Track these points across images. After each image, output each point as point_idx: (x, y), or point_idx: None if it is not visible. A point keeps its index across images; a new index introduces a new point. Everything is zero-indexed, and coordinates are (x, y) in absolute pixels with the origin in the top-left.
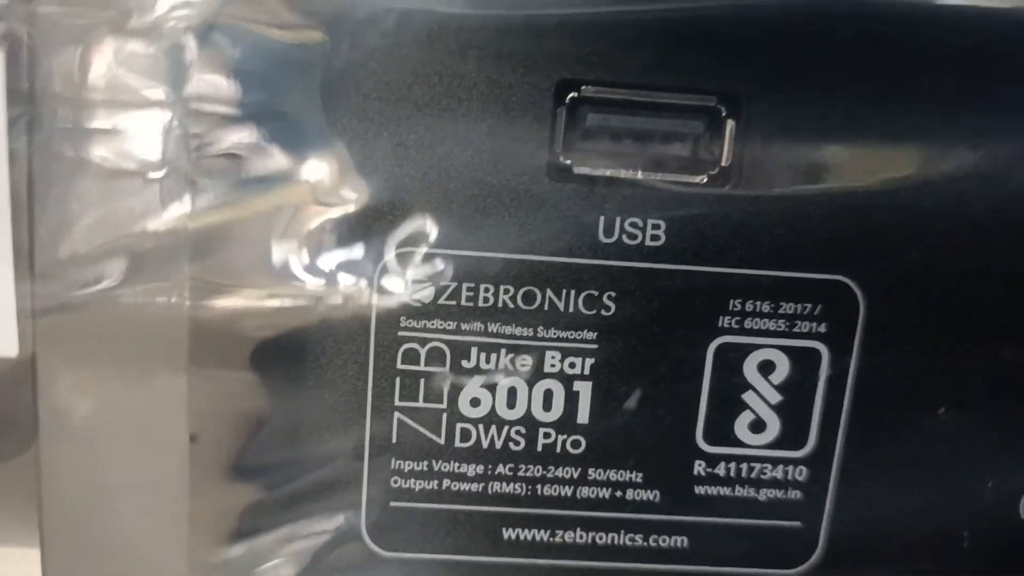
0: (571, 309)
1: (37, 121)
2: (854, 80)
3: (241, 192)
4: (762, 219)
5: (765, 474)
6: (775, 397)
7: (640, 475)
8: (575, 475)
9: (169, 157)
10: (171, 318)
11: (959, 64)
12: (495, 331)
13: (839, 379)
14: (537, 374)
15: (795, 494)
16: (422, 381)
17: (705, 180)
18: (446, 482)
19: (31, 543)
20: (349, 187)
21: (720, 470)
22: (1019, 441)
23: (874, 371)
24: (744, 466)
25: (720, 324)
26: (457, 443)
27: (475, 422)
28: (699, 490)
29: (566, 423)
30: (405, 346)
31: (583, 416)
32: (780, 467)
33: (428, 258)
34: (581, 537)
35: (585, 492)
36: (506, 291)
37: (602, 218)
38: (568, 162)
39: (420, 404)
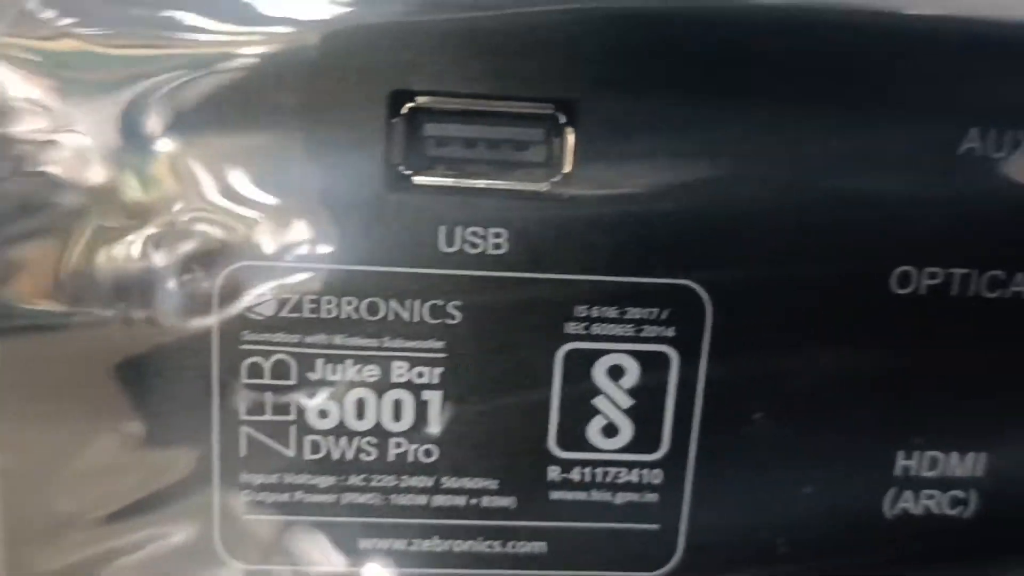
0: (416, 319)
1: None
2: (690, 85)
3: (51, 214)
4: (605, 225)
5: (620, 478)
6: (626, 401)
7: (495, 482)
8: (429, 484)
9: None
10: None
11: (789, 67)
12: (340, 343)
13: (689, 383)
14: (385, 384)
15: (651, 497)
16: (268, 394)
17: (547, 187)
18: (299, 494)
19: None
20: (184, 201)
21: (575, 475)
22: (874, 440)
23: (724, 374)
24: (599, 471)
25: (567, 330)
26: (308, 455)
27: (325, 434)
28: (555, 495)
29: (417, 432)
30: (249, 360)
31: (434, 425)
32: (635, 471)
33: (269, 271)
34: (439, 545)
35: (440, 500)
36: (349, 302)
37: (443, 228)
38: (407, 172)
39: (268, 417)
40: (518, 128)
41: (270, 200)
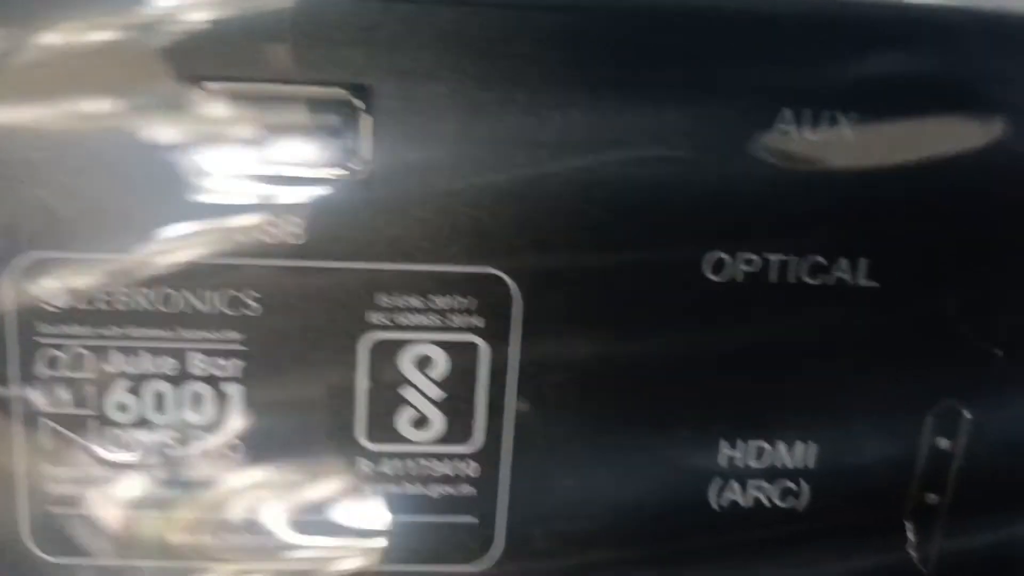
0: (213, 310)
1: None
2: (488, 72)
3: None
4: (406, 213)
5: (434, 471)
6: (436, 392)
7: (305, 476)
8: (236, 478)
9: None
10: None
11: (590, 51)
12: (136, 334)
13: (500, 372)
14: (183, 377)
15: (467, 489)
16: (66, 387)
17: (344, 174)
18: (104, 487)
19: None
20: None
21: (386, 468)
22: (697, 429)
23: (536, 363)
24: (411, 463)
25: (370, 320)
26: (110, 448)
27: (125, 427)
28: (368, 489)
29: (218, 426)
30: (46, 352)
31: (236, 418)
32: (448, 463)
33: (61, 262)
34: (250, 540)
35: (247, 495)
36: (143, 293)
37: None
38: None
39: (68, 411)
40: (313, 114)
41: (65, 190)
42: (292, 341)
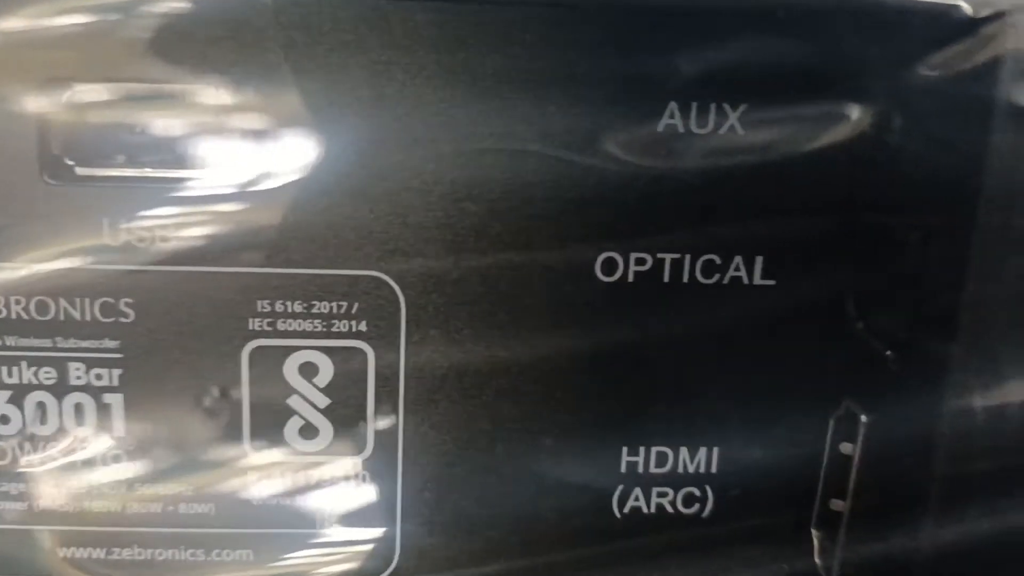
0: (88, 318)
1: None
2: (362, 72)
3: None
4: (285, 215)
5: (324, 481)
6: (323, 400)
7: (191, 488)
8: (122, 491)
9: None
10: None
11: (472, 48)
12: (12, 344)
13: (389, 378)
14: (63, 387)
15: (359, 500)
16: None
17: (215, 175)
18: None
19: None
20: None
21: (275, 479)
22: (597, 436)
23: (426, 368)
24: (300, 473)
25: (251, 327)
26: None
27: (8, 439)
28: (257, 501)
29: (103, 437)
30: None
31: (119, 429)
32: (339, 472)
33: None
34: (140, 554)
35: (135, 508)
36: (18, 301)
37: (106, 220)
38: (70, 163)
39: None
40: (179, 113)
41: None
42: (171, 349)
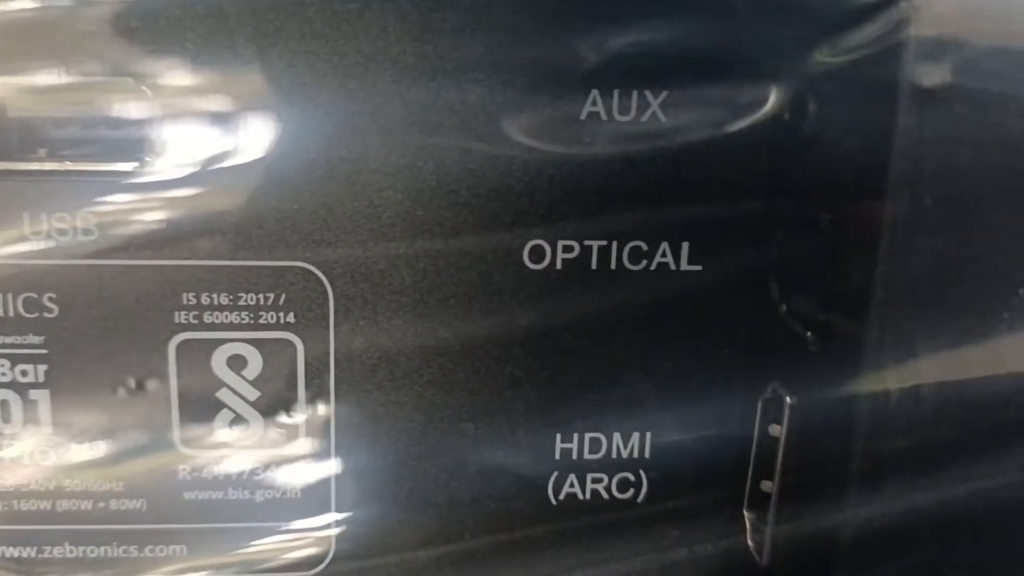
0: (12, 313)
1: None
2: (288, 59)
3: None
4: (206, 206)
5: (257, 474)
6: (253, 393)
7: (122, 484)
8: (51, 487)
9: None
10: None
11: (395, 36)
12: None
13: (319, 369)
14: None
15: (293, 492)
16: None
17: (136, 167)
18: None
19: None
20: None
21: (207, 473)
22: (531, 423)
23: (356, 359)
24: (232, 467)
25: (177, 320)
26: None
27: None
28: (189, 496)
29: (30, 433)
30: None
31: (46, 425)
32: (271, 465)
33: None
34: (71, 552)
35: (66, 505)
36: None
37: (26, 214)
38: None
39: None
40: (99, 104)
41: None
42: (97, 344)
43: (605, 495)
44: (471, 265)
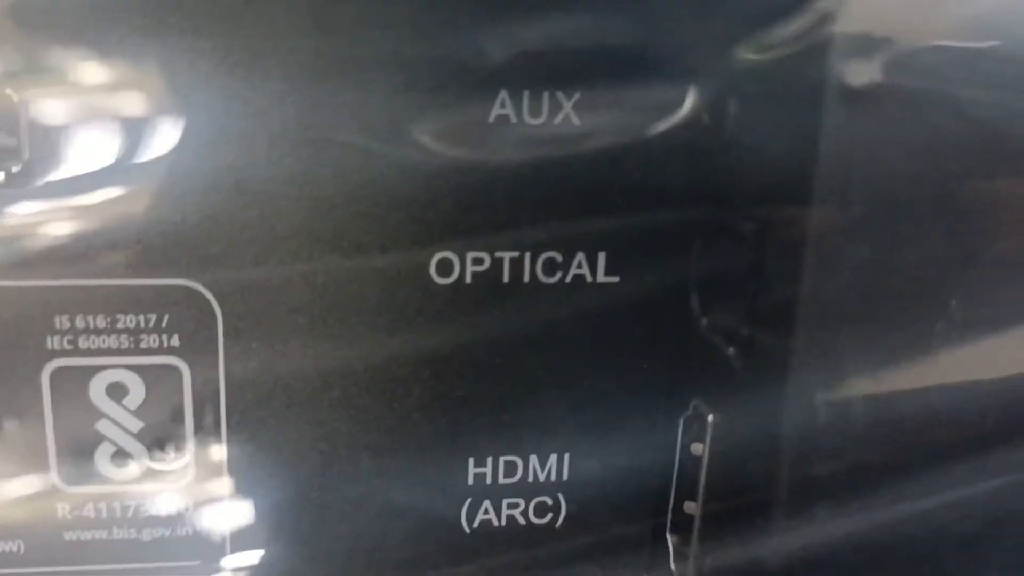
0: None
1: None
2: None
3: None
4: (82, 221)
5: (143, 512)
6: (135, 424)
7: None
8: None
9: None
10: None
11: (284, 36)
12: None
13: (209, 396)
14: None
15: (183, 530)
16: None
17: (2, 178)
18: None
19: None
20: None
21: (89, 512)
22: (441, 449)
23: (248, 383)
24: (116, 505)
25: (50, 345)
26: None
27: None
28: (69, 536)
29: None
30: None
31: None
32: (159, 501)
33: None
34: None
35: None
36: None
37: None
38: None
39: None
40: None
41: None
42: None
43: (522, 521)
44: (374, 280)
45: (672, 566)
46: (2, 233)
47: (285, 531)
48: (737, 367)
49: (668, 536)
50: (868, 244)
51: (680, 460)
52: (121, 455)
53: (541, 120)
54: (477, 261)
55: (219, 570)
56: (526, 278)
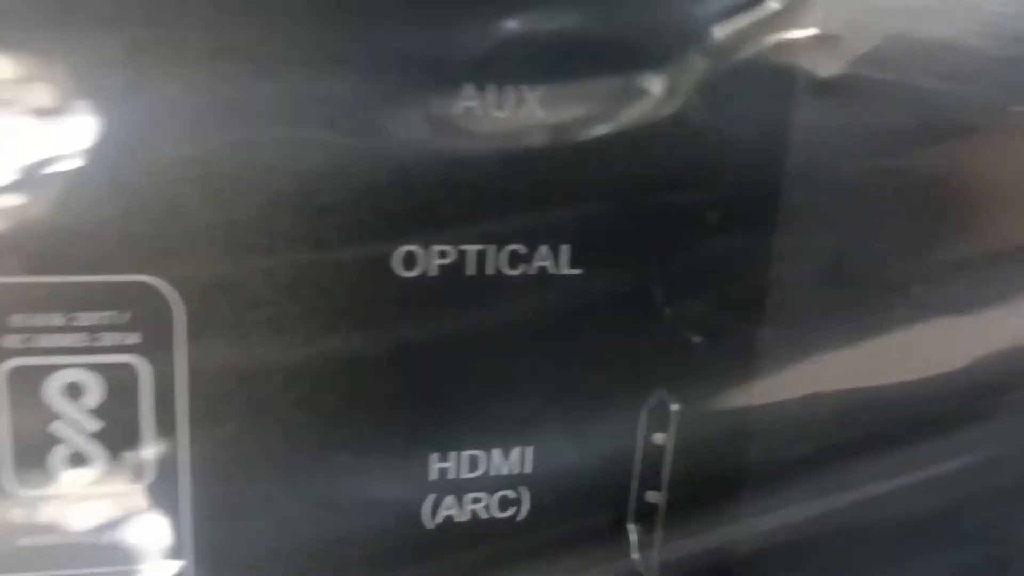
0: None
1: None
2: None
3: None
4: (37, 214)
5: (101, 515)
6: (93, 425)
7: None
8: None
9: None
10: None
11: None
12: None
13: (168, 395)
14: None
15: (143, 534)
16: None
17: None
18: None
19: None
20: None
21: (44, 517)
22: (403, 443)
23: (209, 382)
24: (73, 509)
25: (5, 344)
26: None
27: None
28: (24, 542)
29: None
30: None
31: None
32: (118, 505)
33: None
34: None
35: None
36: None
37: None
38: None
39: None
40: None
41: None
42: None
43: (484, 515)
44: (336, 274)
45: (634, 556)
46: None
47: (246, 533)
48: (702, 357)
49: (629, 526)
50: (834, 232)
51: (643, 450)
52: (77, 457)
53: (505, 112)
54: (441, 254)
55: (180, 572)
56: (490, 270)
